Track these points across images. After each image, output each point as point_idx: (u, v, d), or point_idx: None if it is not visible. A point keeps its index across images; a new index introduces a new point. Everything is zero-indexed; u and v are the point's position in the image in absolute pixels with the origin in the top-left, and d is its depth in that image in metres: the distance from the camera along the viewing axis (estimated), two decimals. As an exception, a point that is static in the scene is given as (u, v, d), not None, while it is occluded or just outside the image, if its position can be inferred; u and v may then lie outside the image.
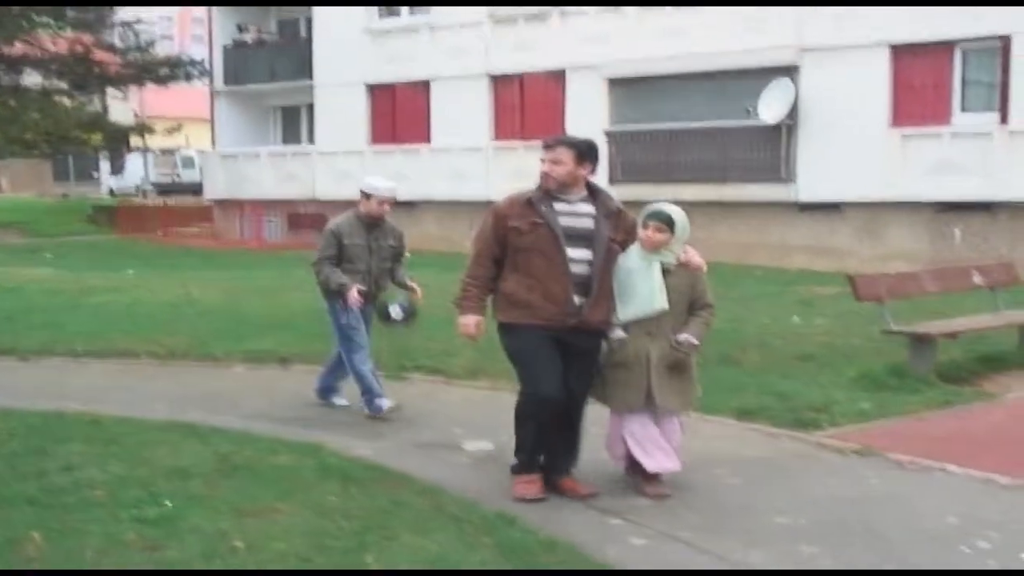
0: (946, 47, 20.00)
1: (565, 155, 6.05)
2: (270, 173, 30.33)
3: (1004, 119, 19.38)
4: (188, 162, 47.94)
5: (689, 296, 6.14)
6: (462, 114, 26.05)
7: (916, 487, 6.39)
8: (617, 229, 6.13)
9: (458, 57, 25.98)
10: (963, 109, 20.15)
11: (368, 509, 5.74)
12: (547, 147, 6.13)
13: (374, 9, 27.80)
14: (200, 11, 38.98)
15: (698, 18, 22.36)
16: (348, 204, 23.33)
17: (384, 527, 5.42)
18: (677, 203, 6.48)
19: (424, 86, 26.88)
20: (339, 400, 8.79)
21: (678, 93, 22.96)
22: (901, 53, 20.38)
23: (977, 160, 19.46)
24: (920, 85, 20.34)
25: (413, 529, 5.40)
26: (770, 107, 21.33)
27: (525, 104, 25.44)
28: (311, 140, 30.18)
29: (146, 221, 34.46)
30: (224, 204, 31.99)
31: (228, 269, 21.39)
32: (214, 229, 32.47)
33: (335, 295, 8.28)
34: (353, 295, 8.15)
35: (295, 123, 31.65)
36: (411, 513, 5.69)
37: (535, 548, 5.15)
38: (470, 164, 25.82)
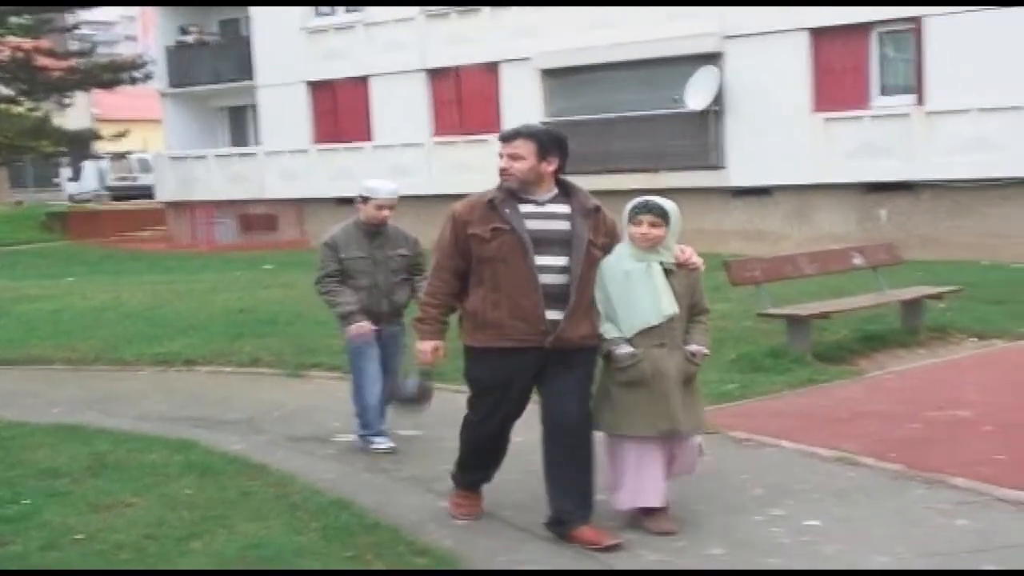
0: (862, 30, 20.43)
1: (524, 148, 5.33)
2: (219, 175, 30.59)
3: (921, 100, 19.82)
4: (144, 165, 48.05)
5: (689, 300, 5.49)
6: (401, 110, 26.38)
7: (743, 462, 6.76)
8: (597, 230, 5.39)
9: (394, 53, 26.30)
10: (882, 92, 20.59)
11: (215, 500, 6.09)
12: (504, 140, 5.41)
13: (310, 7, 28.08)
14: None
15: (625, 8, 22.71)
16: (298, 203, 24.15)
17: (223, 516, 5.76)
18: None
19: (363, 83, 27.19)
20: (382, 442, 7.47)
21: (610, 83, 23.32)
22: (820, 37, 20.80)
23: (897, 142, 19.90)
24: (840, 69, 20.77)
25: (250, 516, 5.75)
26: (696, 95, 21.73)
27: (462, 98, 25.79)
28: (258, 141, 30.45)
29: (99, 226, 34.65)
30: (175, 207, 32.22)
31: (172, 273, 21.69)
32: (167, 232, 32.70)
33: (341, 318, 7.42)
34: (355, 330, 7.28)
35: (243, 123, 31.92)
36: (254, 502, 6.04)
37: (357, 530, 5.51)
38: (411, 159, 26.15)
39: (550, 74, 24.17)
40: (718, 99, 21.62)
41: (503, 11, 24.64)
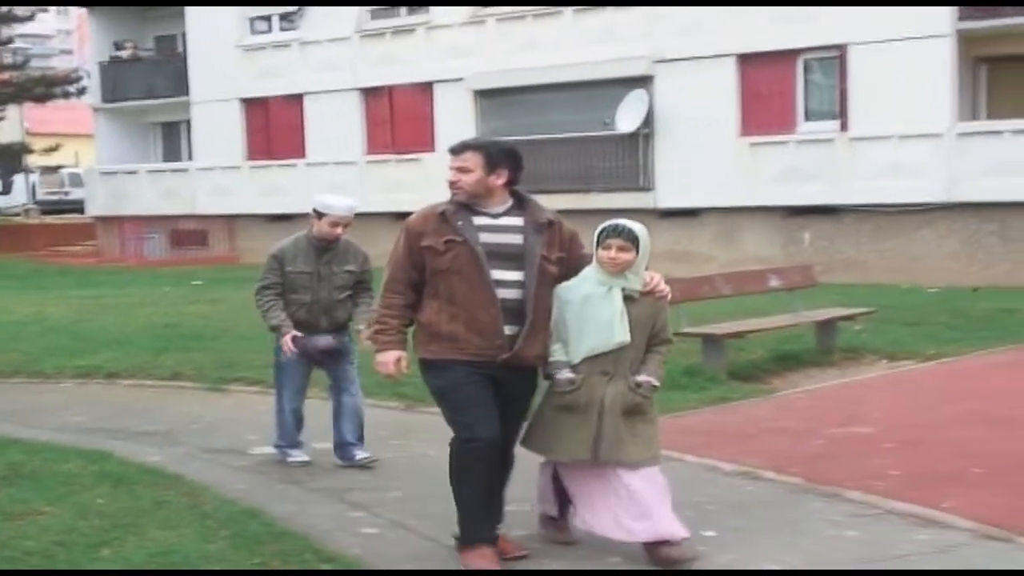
0: (789, 57, 20.87)
1: (472, 160, 5.21)
2: (150, 189, 30.42)
3: (844, 127, 20.28)
4: (75, 180, 47.58)
5: (650, 329, 5.30)
6: (335, 128, 26.45)
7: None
8: (551, 245, 5.26)
9: (328, 71, 26.40)
10: (807, 118, 21.02)
11: (128, 509, 6.15)
12: (453, 152, 5.31)
13: (246, 25, 28.13)
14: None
15: (556, 30, 23.07)
16: (229, 219, 23.88)
17: (135, 524, 5.83)
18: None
19: (297, 100, 27.23)
20: (361, 452, 7.39)
21: (542, 104, 23.62)
22: (747, 63, 21.21)
23: (821, 166, 20.36)
24: (766, 94, 21.17)
25: (161, 525, 5.82)
26: (626, 117, 22.06)
27: (395, 117, 25.92)
28: (191, 156, 30.35)
29: (28, 240, 34.32)
30: (106, 221, 31.97)
31: (100, 287, 21.58)
32: (96, 247, 32.45)
33: (272, 329, 7.34)
34: (287, 343, 7.16)
35: (175, 139, 31.82)
36: (167, 511, 6.11)
37: (265, 538, 5.59)
38: (344, 177, 26.18)
39: (483, 94, 24.41)
40: (648, 122, 21.95)
41: (437, 31, 24.85)
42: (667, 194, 22.08)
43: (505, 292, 5.14)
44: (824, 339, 11.56)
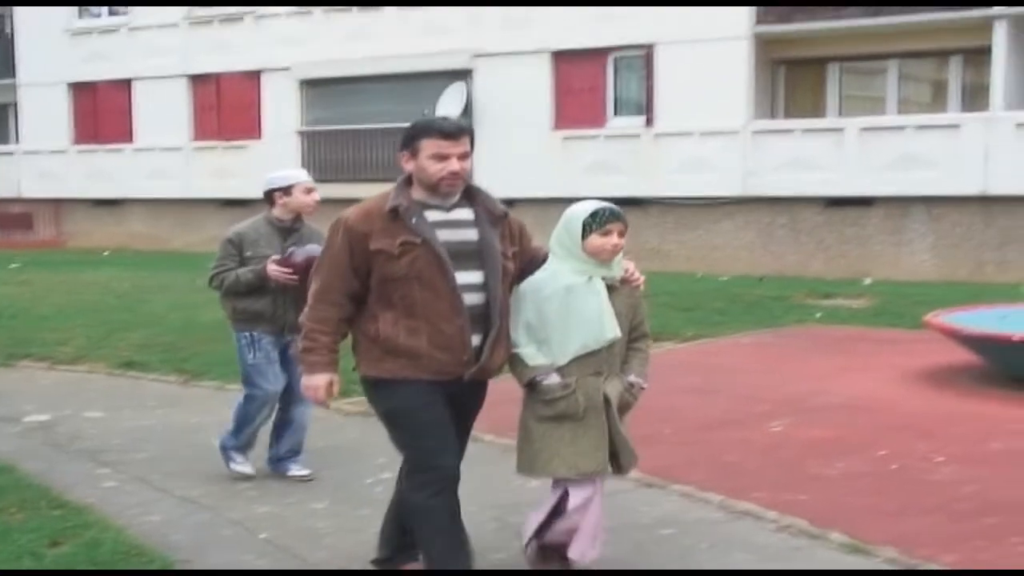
0: (601, 55, 21.80)
1: (469, 145, 4.47)
2: (-27, 172, 30.14)
3: (650, 122, 21.31)
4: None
5: (630, 322, 4.73)
6: (162, 114, 26.62)
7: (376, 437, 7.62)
8: (506, 239, 4.60)
9: (157, 57, 26.58)
10: (616, 113, 22.01)
11: None
12: (451, 136, 4.40)
13: (74, 8, 28.08)
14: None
15: (382, 22, 23.67)
16: (55, 203, 23.97)
17: None
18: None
19: (125, 85, 27.31)
20: (299, 470, 6.72)
21: (366, 94, 24.20)
22: (562, 60, 22.09)
23: (628, 160, 21.35)
24: (579, 90, 22.09)
25: (-84, 478, 6.35)
26: (446, 109, 22.72)
27: (222, 104, 26.20)
28: (18, 139, 30.13)
29: None
30: (-71, 203, 31.55)
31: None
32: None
33: (242, 322, 6.50)
34: (274, 268, 6.29)
35: (3, 122, 31.50)
36: (-76, 469, 6.63)
37: (11, 489, 6.16)
38: (170, 163, 26.43)
39: (309, 84, 24.90)
40: (467, 113, 22.67)
41: (266, 20, 25.23)
42: (484, 184, 22.68)
43: (467, 298, 4.40)
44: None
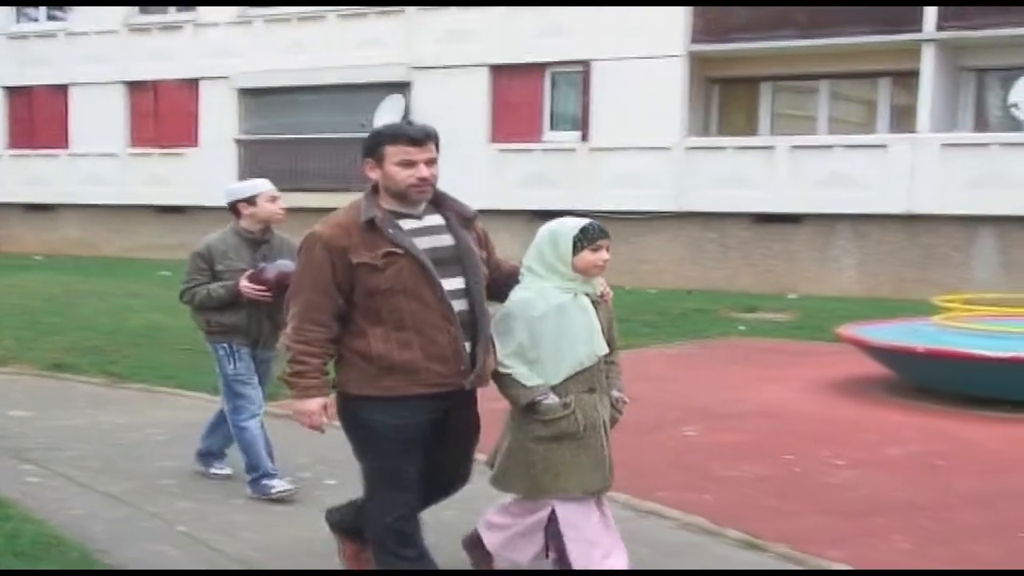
0: (538, 69, 22.08)
1: (435, 151, 4.36)
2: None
3: (585, 137, 21.61)
4: None
5: (607, 336, 4.66)
6: (99, 120, 26.55)
7: (300, 440, 7.79)
8: (478, 243, 4.51)
9: (95, 64, 26.49)
10: (552, 127, 22.30)
11: None
12: (418, 142, 4.30)
13: (12, 12, 27.96)
14: None
15: (320, 34, 23.81)
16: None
17: None
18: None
19: (62, 91, 27.19)
20: (220, 468, 6.84)
21: (304, 105, 24.33)
22: (500, 74, 22.35)
23: (563, 174, 21.63)
24: (516, 104, 22.35)
25: None
26: (383, 121, 22.90)
27: (160, 111, 26.19)
28: (-48, 143, 29.90)
29: None
30: None
31: None
32: None
33: (218, 334, 6.40)
34: (246, 284, 6.18)
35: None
36: None
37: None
38: (106, 169, 26.37)
39: (247, 93, 24.96)
40: (404, 126, 22.82)
41: (205, 29, 25.29)
42: (422, 195, 22.99)
43: (453, 305, 4.31)
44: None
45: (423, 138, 4.29)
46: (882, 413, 9.03)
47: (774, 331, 14.32)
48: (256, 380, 6.44)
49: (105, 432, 7.98)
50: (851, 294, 18.85)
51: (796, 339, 13.56)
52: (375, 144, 4.36)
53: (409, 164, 4.26)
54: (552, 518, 4.56)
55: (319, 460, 7.01)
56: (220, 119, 24.89)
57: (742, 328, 14.49)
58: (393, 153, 4.28)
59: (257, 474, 6.38)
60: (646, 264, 21.03)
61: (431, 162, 4.30)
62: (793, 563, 5.29)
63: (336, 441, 6.87)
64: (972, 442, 8.06)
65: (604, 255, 4.53)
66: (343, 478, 6.51)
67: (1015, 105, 18.21)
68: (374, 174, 4.35)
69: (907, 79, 19.80)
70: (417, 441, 4.32)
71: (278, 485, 6.34)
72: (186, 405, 8.96)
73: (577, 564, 4.49)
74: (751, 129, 21.57)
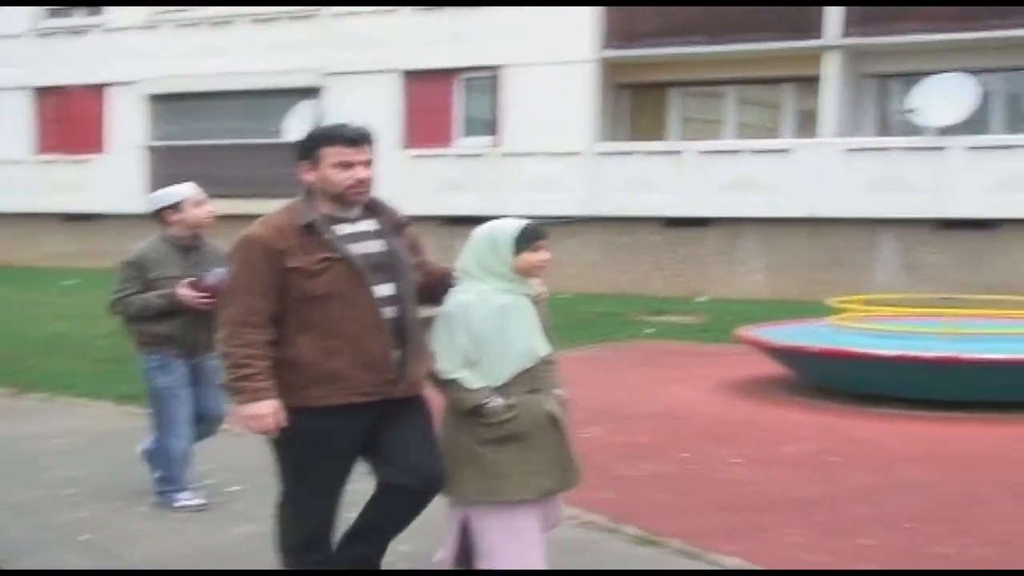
0: (450, 75, 22.19)
1: (371, 152, 4.29)
2: None
3: (497, 142, 21.77)
4: None
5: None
6: (5, 126, 26.15)
7: (220, 451, 7.82)
8: (408, 249, 4.44)
9: (1, 68, 26.09)
10: (465, 133, 22.42)
11: None
12: (353, 143, 4.25)
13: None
14: None
15: (232, 39, 23.71)
16: None
17: None
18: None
19: (-34, 96, 26.79)
20: (187, 498, 6.36)
21: (216, 110, 24.19)
22: (412, 80, 22.42)
23: (476, 179, 21.76)
24: (428, 109, 22.44)
25: None
26: (296, 126, 22.83)
27: (67, 117, 25.86)
28: None
29: None
30: None
31: None
32: None
33: (151, 345, 6.21)
34: (186, 292, 5.99)
35: None
36: None
37: None
38: (13, 176, 25.97)
39: (157, 99, 24.77)
40: (316, 132, 22.79)
41: (113, 34, 25.05)
42: (335, 201, 22.99)
43: (384, 312, 4.25)
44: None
45: (360, 139, 4.24)
46: (781, 412, 9.26)
47: (681, 333, 14.57)
48: (185, 393, 6.24)
49: (8, 442, 7.91)
50: (759, 296, 19.16)
51: (703, 341, 13.81)
52: (311, 146, 4.28)
53: (347, 166, 4.20)
54: (491, 522, 4.48)
55: (222, 467, 7.04)
56: (128, 125, 24.66)
57: (649, 331, 14.71)
58: (330, 155, 4.21)
59: (171, 488, 6.29)
60: (562, 268, 20.89)
61: (368, 164, 4.23)
62: (688, 558, 5.43)
63: (239, 447, 7.04)
64: (866, 439, 8.30)
65: (544, 255, 4.53)
66: (247, 484, 6.59)
67: (911, 110, 18.64)
68: (309, 176, 4.27)
69: (811, 84, 20.16)
70: (344, 452, 4.26)
71: (191, 499, 6.27)
72: (91, 415, 8.97)
73: (484, 565, 4.48)
74: (660, 134, 21.84)
